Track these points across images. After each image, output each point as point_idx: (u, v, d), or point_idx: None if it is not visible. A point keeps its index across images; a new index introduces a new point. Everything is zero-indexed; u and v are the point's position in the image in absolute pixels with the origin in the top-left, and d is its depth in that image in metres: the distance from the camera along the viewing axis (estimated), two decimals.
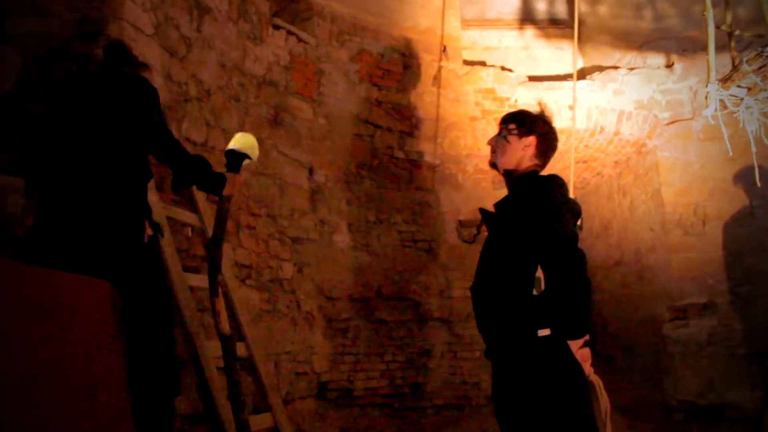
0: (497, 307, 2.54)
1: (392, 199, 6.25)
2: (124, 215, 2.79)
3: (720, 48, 5.59)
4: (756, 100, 4.59)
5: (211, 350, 3.64)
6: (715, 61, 5.30)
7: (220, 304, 3.14)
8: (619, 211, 8.02)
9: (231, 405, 3.19)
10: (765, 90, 4.32)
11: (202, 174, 3.02)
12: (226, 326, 3.16)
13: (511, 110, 2.91)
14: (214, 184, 3.05)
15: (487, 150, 6.55)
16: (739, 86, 4.40)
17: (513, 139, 2.70)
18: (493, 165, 2.79)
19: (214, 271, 3.11)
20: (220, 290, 3.14)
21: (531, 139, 2.68)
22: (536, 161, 2.71)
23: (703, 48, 6.43)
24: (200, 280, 3.87)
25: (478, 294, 2.65)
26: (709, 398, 6.43)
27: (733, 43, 5.37)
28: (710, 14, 4.52)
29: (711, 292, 6.73)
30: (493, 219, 2.70)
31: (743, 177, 6.72)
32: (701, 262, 6.80)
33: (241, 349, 4.01)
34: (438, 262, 6.32)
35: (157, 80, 4.27)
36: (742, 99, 4.41)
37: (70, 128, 2.89)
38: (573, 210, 2.54)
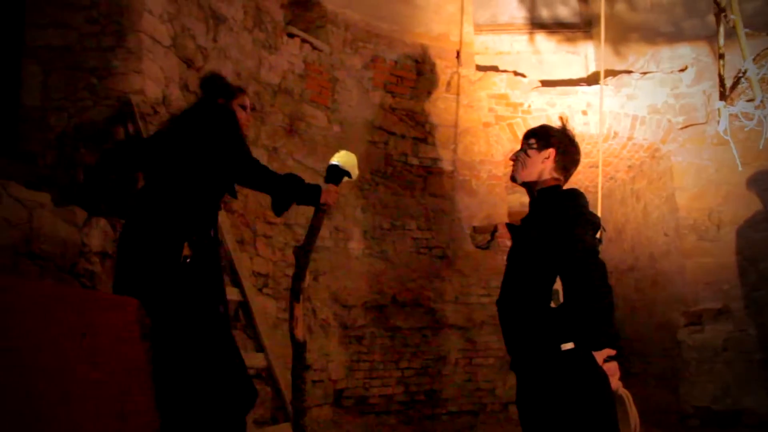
0: (519, 321, 2.56)
1: (406, 205, 6.26)
2: (159, 236, 2.83)
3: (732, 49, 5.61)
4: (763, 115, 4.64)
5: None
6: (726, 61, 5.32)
7: (299, 310, 3.20)
8: (633, 216, 8.01)
9: (293, 411, 3.26)
10: None
11: (298, 190, 3.08)
12: (300, 333, 3.21)
13: (534, 125, 2.94)
14: (310, 195, 3.11)
15: (500, 155, 6.58)
16: (746, 101, 4.44)
17: (533, 152, 2.71)
18: (513, 179, 2.80)
19: (299, 278, 3.18)
20: (301, 297, 3.21)
21: (550, 152, 2.69)
22: (556, 174, 2.71)
23: (717, 51, 6.44)
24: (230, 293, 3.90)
25: (503, 307, 2.66)
26: (725, 404, 6.41)
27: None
28: (722, 32, 4.56)
29: (726, 297, 6.70)
30: (518, 233, 2.73)
31: (757, 181, 6.70)
32: (716, 267, 6.77)
33: (260, 360, 4.03)
34: (452, 268, 6.32)
35: (174, 91, 4.32)
36: (753, 115, 4.45)
37: (149, 158, 3.07)
38: (592, 222, 2.54)
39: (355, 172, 3.17)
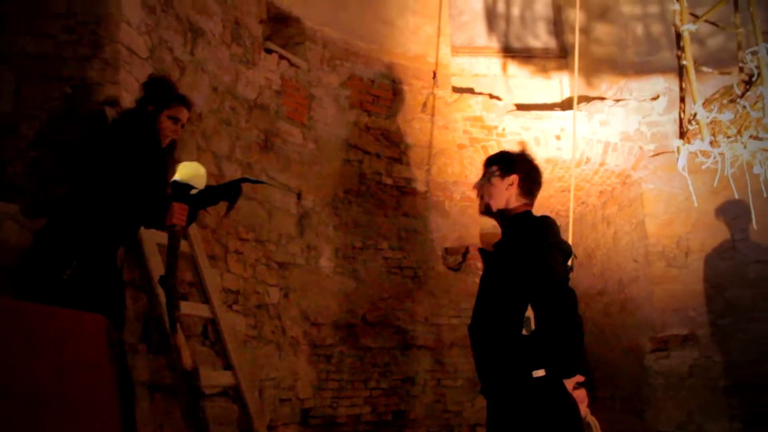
0: (490, 347, 2.57)
1: (379, 225, 6.26)
2: (48, 247, 2.80)
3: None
4: (720, 152, 4.78)
5: (204, 377, 3.61)
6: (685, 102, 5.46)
7: (180, 339, 3.11)
8: (603, 241, 8.09)
9: None
10: (727, 137, 4.52)
11: (141, 215, 3.01)
12: (189, 361, 3.13)
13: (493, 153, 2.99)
14: (153, 219, 3.03)
15: (474, 177, 6.63)
16: (701, 140, 4.59)
17: (496, 180, 2.75)
18: (486, 209, 2.81)
19: (172, 307, 3.07)
20: (178, 326, 3.11)
21: (513, 178, 2.73)
22: (524, 200, 2.75)
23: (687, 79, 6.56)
24: (188, 308, 3.85)
25: (474, 333, 2.67)
26: (690, 430, 6.48)
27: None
28: (692, 77, 4.70)
29: (693, 324, 6.79)
30: (491, 258, 2.74)
31: (725, 211, 6.81)
32: (683, 294, 6.86)
33: (227, 378, 3.98)
34: (423, 289, 6.33)
35: None
36: (711, 153, 4.60)
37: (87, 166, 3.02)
38: (563, 250, 2.57)
39: (198, 182, 3.07)
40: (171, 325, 3.06)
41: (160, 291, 3.14)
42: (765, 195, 4.73)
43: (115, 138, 3.03)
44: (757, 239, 6.74)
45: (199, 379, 3.19)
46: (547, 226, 2.60)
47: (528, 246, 2.53)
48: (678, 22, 5.21)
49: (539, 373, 2.42)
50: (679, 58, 5.27)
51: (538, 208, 2.77)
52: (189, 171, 3.05)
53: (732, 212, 6.77)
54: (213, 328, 4.18)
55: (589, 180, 7.70)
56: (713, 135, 4.81)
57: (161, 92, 3.29)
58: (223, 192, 3.20)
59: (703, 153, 4.95)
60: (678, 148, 4.75)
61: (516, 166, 2.76)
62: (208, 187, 3.21)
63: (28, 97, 3.90)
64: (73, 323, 2.08)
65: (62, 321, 2.03)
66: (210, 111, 4.92)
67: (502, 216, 2.76)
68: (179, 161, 3.70)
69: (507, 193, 2.73)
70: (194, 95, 4.76)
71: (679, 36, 5.29)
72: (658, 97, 7.41)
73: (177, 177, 3.02)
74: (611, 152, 7.26)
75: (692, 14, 5.34)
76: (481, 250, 2.82)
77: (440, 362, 6.19)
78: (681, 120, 5.21)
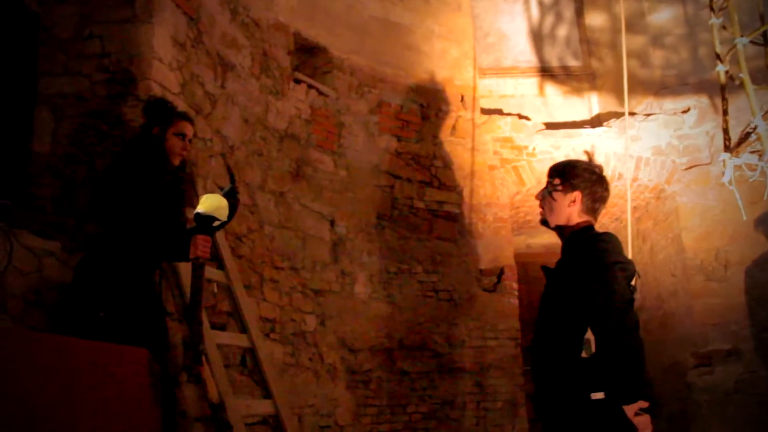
0: (549, 368, 2.50)
1: (413, 249, 6.27)
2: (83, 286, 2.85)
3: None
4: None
5: (240, 408, 3.64)
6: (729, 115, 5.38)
7: (206, 372, 3.12)
8: (639, 257, 7.99)
9: None
10: None
11: (163, 249, 3.04)
12: (214, 394, 3.15)
13: (559, 161, 2.87)
14: (178, 252, 3.05)
15: (506, 198, 6.60)
16: (751, 152, 4.50)
17: (558, 195, 2.65)
18: (544, 223, 2.73)
19: (197, 340, 3.09)
20: (204, 359, 3.12)
21: (576, 195, 2.62)
22: (586, 217, 2.64)
23: (718, 93, 6.49)
24: (227, 338, 3.90)
25: (534, 354, 2.62)
26: None
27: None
28: (747, 78, 4.61)
29: (735, 338, 6.65)
30: (552, 276, 2.65)
31: (764, 222, 6.69)
32: (724, 308, 6.73)
33: (267, 407, 4.00)
34: (459, 311, 6.31)
35: None
36: (756, 166, 4.50)
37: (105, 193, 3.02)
38: (626, 269, 2.43)
39: (222, 213, 3.09)
40: (196, 357, 3.08)
41: (202, 321, 3.18)
42: None
43: (124, 167, 3.08)
44: None
45: (226, 411, 3.20)
46: (609, 242, 2.48)
47: (589, 265, 2.43)
48: (717, 38, 5.09)
49: (598, 395, 2.35)
50: (721, 72, 5.15)
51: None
52: (212, 203, 3.08)
53: None
54: (251, 357, 4.21)
55: (622, 196, 7.63)
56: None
57: (162, 112, 3.35)
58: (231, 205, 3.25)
59: (749, 166, 4.88)
60: (724, 162, 4.67)
61: (580, 181, 2.64)
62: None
63: (65, 136, 4.01)
64: (116, 358, 2.12)
65: (105, 356, 2.07)
66: (242, 142, 5.01)
67: (561, 232, 2.68)
68: (196, 180, 3.77)
69: (568, 210, 2.64)
70: (226, 127, 4.86)
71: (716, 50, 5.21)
72: (688, 110, 7.35)
73: (200, 209, 3.06)
74: (643, 167, 7.21)
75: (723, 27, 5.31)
76: (544, 268, 2.73)
77: (479, 384, 6.15)
78: (726, 132, 5.09)
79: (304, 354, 5.22)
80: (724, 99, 5.19)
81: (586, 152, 2.85)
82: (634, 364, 2.31)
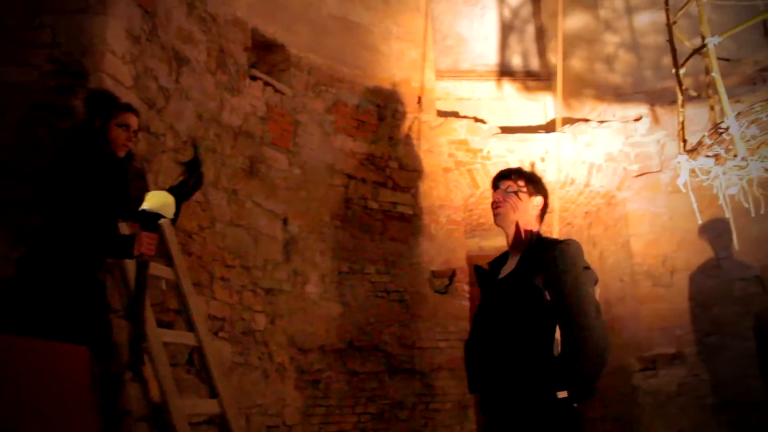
0: (516, 367, 2.52)
1: (366, 249, 6.28)
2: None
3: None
4: (724, 169, 4.72)
5: (184, 407, 3.60)
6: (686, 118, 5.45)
7: (148, 372, 3.10)
8: (589, 261, 8.09)
9: None
10: (730, 159, 4.46)
11: (105, 246, 3.00)
12: (156, 393, 3.12)
13: (512, 167, 2.95)
14: (121, 249, 3.02)
15: (459, 200, 6.63)
16: (706, 156, 4.53)
17: (524, 197, 2.72)
18: (498, 220, 2.78)
19: (138, 338, 3.06)
20: (145, 358, 3.10)
21: (540, 200, 2.73)
22: (539, 225, 2.75)
23: (671, 102, 6.60)
24: (174, 336, 3.85)
25: (485, 353, 2.63)
26: None
27: (712, 101, 5.45)
28: (679, 89, 4.66)
29: (679, 342, 6.81)
30: (511, 278, 2.68)
31: (709, 229, 6.85)
32: (669, 313, 6.89)
33: (213, 406, 3.97)
34: (411, 312, 6.33)
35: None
36: (710, 169, 4.56)
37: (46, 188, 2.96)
38: (594, 275, 2.56)
39: (168, 211, 3.08)
40: (137, 356, 3.04)
41: (145, 319, 3.14)
42: (753, 215, 4.72)
43: (64, 159, 3.03)
44: (741, 257, 6.79)
45: (169, 410, 3.17)
46: (578, 249, 2.57)
47: (558, 269, 2.49)
48: (676, 40, 5.11)
49: (563, 394, 2.41)
50: (679, 74, 5.16)
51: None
52: (158, 200, 3.06)
53: (716, 231, 6.82)
54: (198, 355, 4.17)
55: (574, 201, 7.75)
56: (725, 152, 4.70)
57: (105, 103, 3.31)
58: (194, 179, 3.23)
59: (702, 170, 4.90)
60: (679, 164, 4.69)
61: (542, 188, 2.76)
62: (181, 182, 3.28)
63: (11, 127, 3.92)
64: (54, 356, 2.08)
65: (42, 354, 2.04)
66: (195, 138, 4.95)
67: (518, 234, 2.73)
68: (146, 175, 3.72)
69: (531, 213, 2.72)
70: (179, 123, 4.80)
71: (675, 52, 5.23)
72: (641, 118, 7.49)
73: (146, 206, 3.02)
74: (596, 173, 7.32)
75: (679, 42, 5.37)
76: (478, 268, 2.82)
77: (429, 386, 6.18)
78: (682, 135, 5.09)
79: (254, 353, 5.19)
80: (683, 94, 5.16)
81: (532, 164, 2.92)
82: (600, 367, 2.39)
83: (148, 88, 4.54)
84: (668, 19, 4.96)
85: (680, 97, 4.77)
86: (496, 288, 2.72)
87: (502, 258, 2.85)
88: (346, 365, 5.93)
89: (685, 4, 4.67)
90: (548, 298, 2.50)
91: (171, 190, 3.36)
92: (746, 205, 4.53)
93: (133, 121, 3.33)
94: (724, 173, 4.50)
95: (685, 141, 5.29)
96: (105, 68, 4.07)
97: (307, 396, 5.67)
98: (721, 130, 4.15)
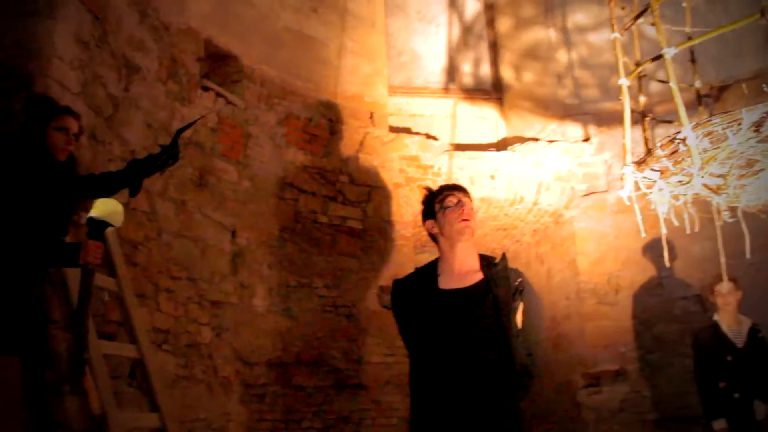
0: (488, 380, 2.66)
1: (314, 263, 6.25)
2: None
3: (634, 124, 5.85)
4: (668, 182, 4.73)
5: (125, 421, 3.54)
6: (630, 140, 5.53)
7: (89, 383, 3.04)
8: (537, 279, 8.20)
9: None
10: (676, 174, 4.44)
11: (49, 255, 2.95)
12: (96, 406, 3.06)
13: (450, 181, 3.13)
14: (66, 257, 2.96)
15: (409, 216, 6.64)
16: (652, 169, 4.52)
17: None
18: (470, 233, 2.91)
19: (81, 349, 3.00)
20: (87, 369, 3.04)
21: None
22: None
23: (619, 122, 6.71)
24: (115, 348, 3.79)
25: (461, 366, 2.70)
26: None
27: (646, 124, 5.60)
28: (626, 98, 4.68)
29: (623, 359, 6.93)
30: (475, 295, 2.78)
31: (653, 248, 7.00)
32: (614, 330, 7.01)
33: (153, 420, 3.90)
34: (358, 327, 6.32)
35: (81, 139, 4.21)
36: (654, 182, 4.55)
37: None
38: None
39: (116, 219, 3.03)
40: (79, 367, 2.97)
41: (88, 330, 3.08)
42: (688, 232, 4.79)
43: (1, 165, 2.97)
44: (683, 276, 6.96)
45: (108, 424, 3.10)
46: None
47: (518, 290, 2.76)
48: (627, 58, 5.12)
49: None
50: (624, 86, 5.16)
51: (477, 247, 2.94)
52: (106, 208, 2.99)
53: (659, 250, 6.95)
54: (140, 368, 4.11)
55: (523, 219, 7.85)
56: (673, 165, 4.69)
57: (43, 107, 3.26)
58: (165, 155, 3.22)
59: (646, 185, 4.88)
60: (622, 176, 4.67)
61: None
62: (149, 156, 3.27)
63: None
64: None
65: None
66: (143, 148, 4.87)
67: (472, 252, 2.89)
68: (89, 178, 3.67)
69: None
70: (127, 131, 4.74)
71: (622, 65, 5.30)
72: (589, 138, 7.63)
73: (93, 214, 2.96)
74: (544, 192, 7.43)
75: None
76: (399, 282, 3.02)
77: (376, 401, 6.17)
78: (624, 147, 5.02)
79: (198, 366, 5.12)
80: (625, 118, 5.14)
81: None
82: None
83: (96, 95, 4.47)
84: (613, 28, 4.95)
85: (626, 103, 4.73)
86: (453, 302, 2.78)
87: (426, 273, 2.90)
88: (293, 380, 5.88)
89: (636, 18, 4.70)
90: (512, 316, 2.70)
91: (134, 163, 3.33)
92: (677, 224, 4.59)
93: (72, 124, 3.27)
94: (665, 188, 4.51)
95: (626, 152, 5.26)
96: (51, 73, 4.01)
97: (253, 410, 5.61)
98: (678, 141, 4.11)
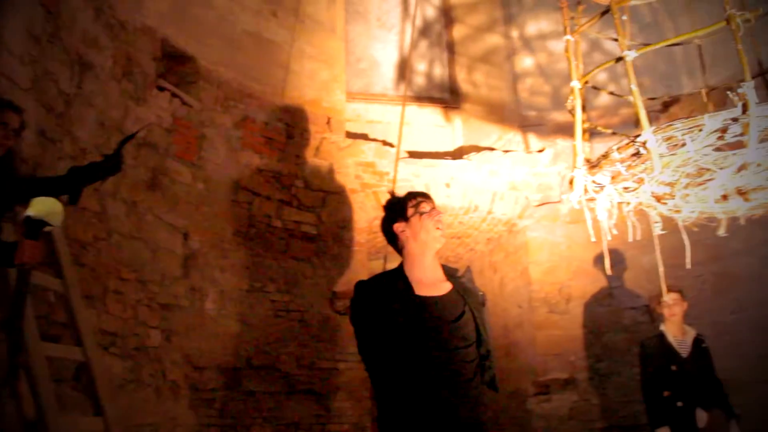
0: (474, 387, 2.77)
1: (267, 267, 6.20)
2: None
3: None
4: (615, 189, 4.70)
5: (65, 425, 3.46)
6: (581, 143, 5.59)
7: (23, 388, 2.97)
8: (490, 287, 8.28)
9: None
10: (627, 179, 4.41)
11: None
12: (30, 411, 3.00)
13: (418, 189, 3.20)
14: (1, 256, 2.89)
15: (364, 222, 6.66)
16: (603, 174, 4.49)
17: None
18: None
19: (15, 351, 2.92)
20: (21, 373, 2.97)
21: None
22: None
23: (572, 135, 6.81)
24: (59, 350, 3.70)
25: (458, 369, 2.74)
26: None
27: (587, 135, 5.63)
28: (578, 100, 4.72)
29: (572, 368, 7.04)
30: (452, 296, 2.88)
31: (602, 259, 7.11)
32: (564, 339, 7.12)
33: (96, 425, 3.81)
34: (310, 332, 6.29)
35: (29, 136, 4.13)
36: (603, 186, 4.52)
37: None
38: None
39: (54, 219, 2.96)
40: (12, 371, 2.89)
41: (23, 332, 3.00)
42: (630, 240, 4.84)
43: None
44: (632, 286, 7.10)
45: (47, 429, 3.03)
46: None
47: (476, 297, 2.93)
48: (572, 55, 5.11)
49: None
50: (575, 88, 5.08)
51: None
52: (44, 207, 2.91)
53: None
54: (85, 371, 4.02)
55: (477, 227, 7.91)
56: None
57: None
58: (107, 166, 3.17)
59: (594, 191, 4.80)
60: (571, 179, 4.61)
61: None
62: (90, 164, 3.26)
63: None
64: None
65: None
66: (95, 146, 4.79)
67: (436, 262, 2.98)
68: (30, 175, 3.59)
69: None
70: (79, 129, 4.66)
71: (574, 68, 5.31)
72: (544, 149, 7.74)
73: (30, 212, 2.88)
74: (499, 201, 7.51)
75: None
76: (362, 283, 2.98)
77: (326, 407, 6.14)
78: (574, 149, 4.89)
79: (146, 370, 5.03)
80: (582, 113, 5.08)
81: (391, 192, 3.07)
82: None
83: (47, 91, 4.38)
84: (566, 30, 4.92)
85: (577, 104, 4.71)
86: (434, 310, 2.79)
87: (394, 279, 2.90)
88: (243, 384, 5.82)
89: (591, 20, 4.73)
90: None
91: (74, 170, 3.26)
92: (615, 232, 4.62)
93: (12, 119, 3.20)
94: (614, 193, 4.51)
95: (576, 155, 5.23)
96: (0, 68, 3.92)
97: (201, 415, 5.53)
98: (637, 144, 4.05)
